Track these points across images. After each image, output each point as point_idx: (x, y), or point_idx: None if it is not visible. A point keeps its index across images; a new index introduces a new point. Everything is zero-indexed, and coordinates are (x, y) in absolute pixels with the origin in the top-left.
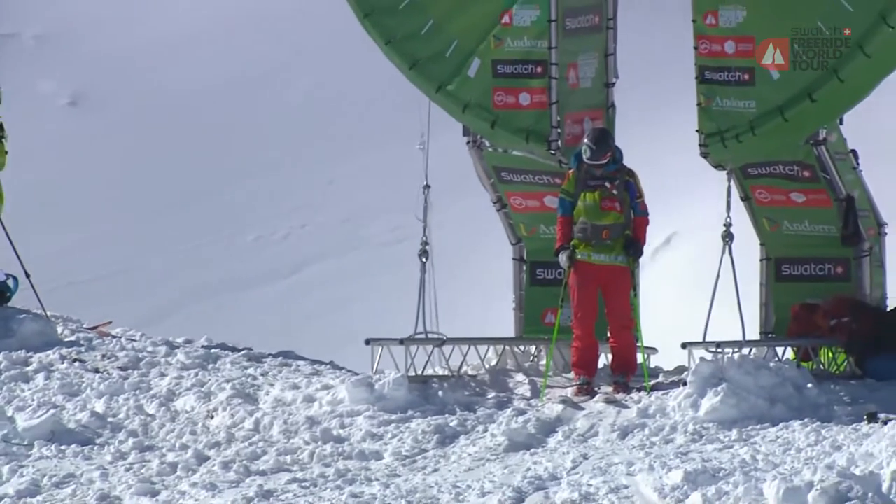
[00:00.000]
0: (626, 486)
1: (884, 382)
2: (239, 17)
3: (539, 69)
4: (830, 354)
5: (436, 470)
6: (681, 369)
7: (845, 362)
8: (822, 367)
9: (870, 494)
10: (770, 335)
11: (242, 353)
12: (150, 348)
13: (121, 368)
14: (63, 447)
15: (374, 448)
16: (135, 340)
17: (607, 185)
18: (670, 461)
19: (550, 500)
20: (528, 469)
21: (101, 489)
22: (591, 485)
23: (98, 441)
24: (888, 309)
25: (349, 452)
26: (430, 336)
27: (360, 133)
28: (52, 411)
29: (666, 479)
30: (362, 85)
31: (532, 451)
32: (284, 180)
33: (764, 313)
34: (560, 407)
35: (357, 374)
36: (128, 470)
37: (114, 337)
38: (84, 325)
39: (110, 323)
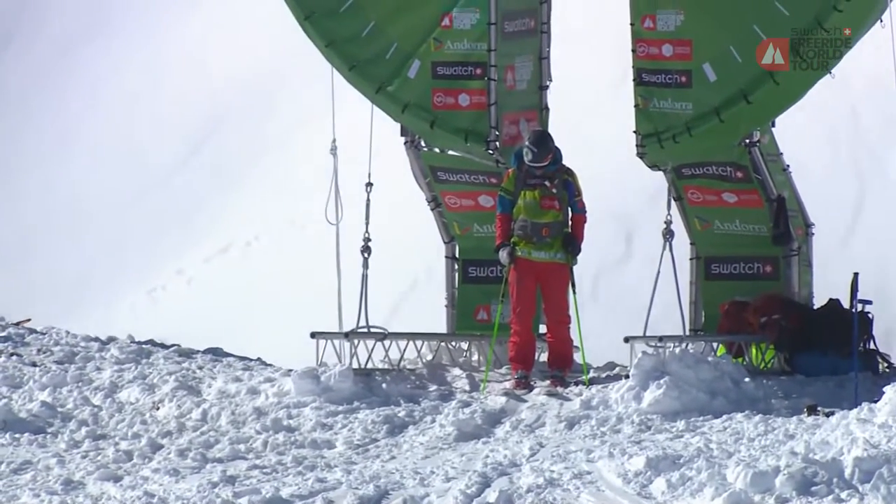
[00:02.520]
0: (588, 473)
1: (812, 378)
2: None
3: (478, 71)
4: (758, 351)
5: (392, 458)
6: (611, 365)
7: (773, 359)
8: (751, 362)
9: (834, 479)
10: (699, 332)
11: (172, 348)
12: (83, 343)
13: (58, 362)
14: (17, 435)
15: (326, 437)
16: (67, 335)
17: (547, 183)
18: (629, 449)
19: (516, 486)
20: (487, 456)
21: (62, 475)
22: (553, 471)
23: (50, 430)
24: (815, 307)
25: (301, 441)
26: (372, 330)
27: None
28: (3, 401)
29: (628, 465)
30: None
31: (483, 440)
32: None
33: (693, 311)
34: (503, 399)
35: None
36: (84, 457)
37: (37, 332)
38: (6, 322)
39: (30, 320)
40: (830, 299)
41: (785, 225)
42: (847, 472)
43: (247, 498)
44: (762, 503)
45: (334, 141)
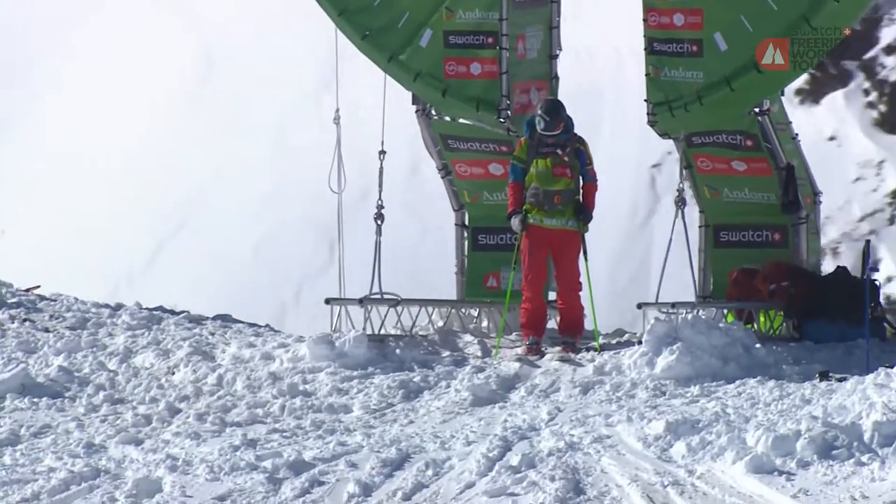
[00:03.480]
0: (608, 437)
1: (821, 344)
2: None
3: (490, 40)
4: (767, 318)
5: (411, 422)
6: (620, 332)
7: (781, 325)
8: (760, 329)
9: (854, 443)
10: (708, 299)
11: (182, 315)
12: (93, 310)
13: (70, 328)
14: (36, 400)
15: (342, 402)
16: (76, 301)
17: (559, 152)
18: (647, 413)
19: (537, 449)
20: (505, 420)
21: (82, 438)
22: (573, 434)
23: (67, 395)
24: (824, 274)
25: (318, 406)
26: (385, 296)
27: None
28: (21, 365)
29: (647, 429)
30: None
31: (500, 405)
32: None
33: (702, 278)
34: (517, 365)
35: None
36: (103, 421)
37: (47, 298)
38: (18, 289)
39: (39, 287)
40: (838, 267)
41: (794, 193)
42: (867, 437)
43: (270, 461)
44: (783, 467)
45: (338, 111)
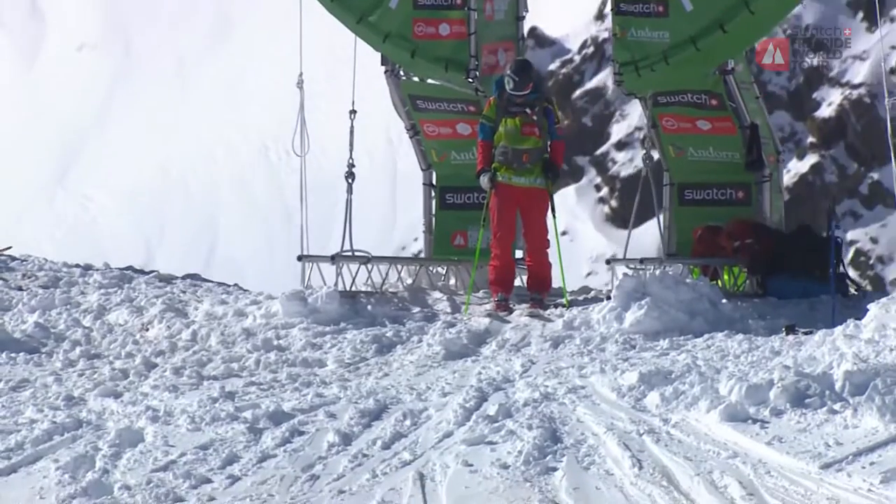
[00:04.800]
0: (582, 387)
1: (784, 300)
2: None
3: (458, 1)
4: (731, 275)
5: (385, 375)
6: (586, 289)
7: (745, 282)
8: (724, 286)
9: (826, 392)
10: (674, 256)
11: (152, 274)
12: (65, 269)
13: (43, 287)
14: (13, 355)
15: (316, 356)
16: (47, 262)
17: (528, 111)
18: (619, 365)
19: (513, 399)
20: (480, 373)
21: (61, 392)
22: (547, 385)
23: (44, 350)
24: (787, 231)
25: (293, 360)
26: (356, 254)
27: None
28: None
29: (621, 380)
30: None
31: (472, 359)
32: None
33: (667, 235)
34: (487, 320)
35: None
36: (80, 375)
37: (17, 259)
38: None
39: (10, 248)
40: (801, 224)
41: (757, 152)
42: (838, 386)
43: (250, 412)
44: (757, 415)
45: (301, 74)
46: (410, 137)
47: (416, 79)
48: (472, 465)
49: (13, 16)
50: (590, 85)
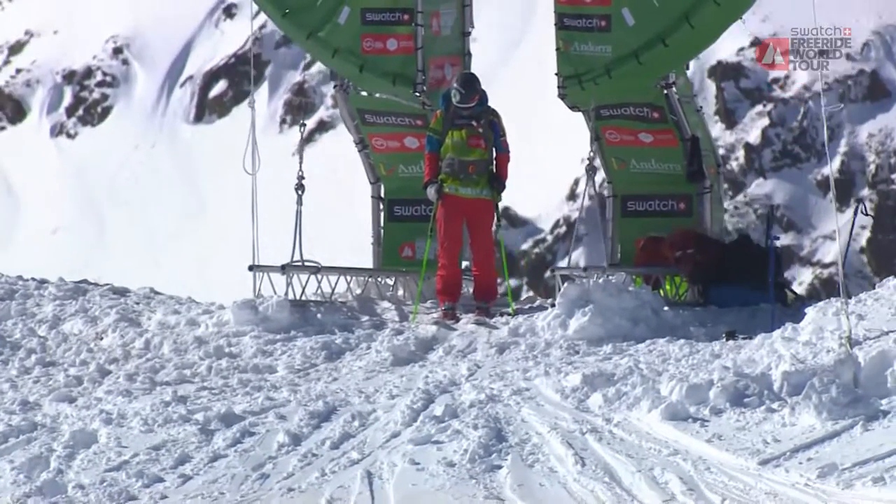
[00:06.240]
0: (527, 389)
1: (725, 309)
2: None
3: (406, 17)
4: (672, 284)
5: (335, 379)
6: (532, 298)
7: (687, 291)
8: (666, 294)
9: (765, 392)
10: (615, 266)
11: (107, 286)
12: (20, 282)
13: None
14: None
15: (267, 363)
16: (2, 277)
17: (474, 123)
18: (563, 368)
19: (459, 401)
20: (427, 377)
21: (16, 398)
22: (493, 388)
23: (0, 358)
24: (728, 241)
25: (244, 367)
26: (306, 264)
27: None
28: None
29: (564, 382)
30: None
31: (419, 364)
32: None
33: (610, 246)
34: (434, 328)
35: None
36: (35, 382)
37: None
38: None
39: None
40: (741, 234)
41: (698, 163)
42: (776, 386)
43: (202, 414)
44: (697, 414)
45: (252, 94)
46: (359, 151)
47: (364, 93)
48: (418, 464)
49: None
50: (562, 264)
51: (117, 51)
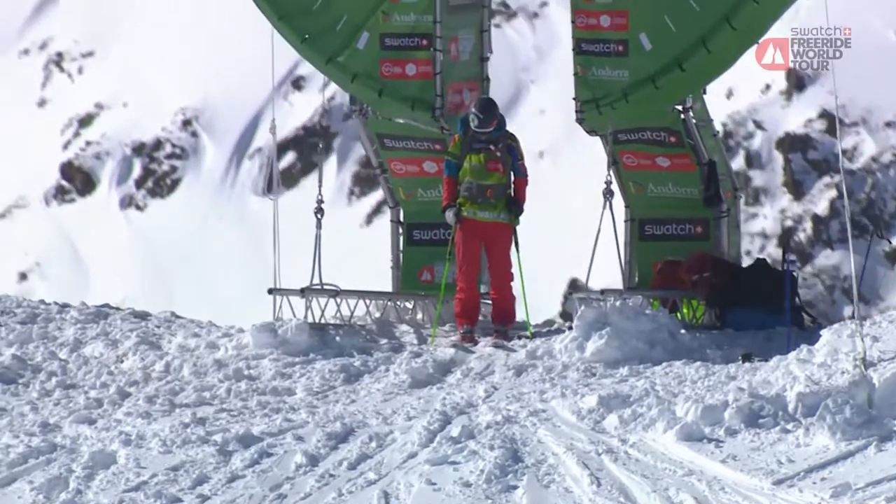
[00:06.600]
0: (543, 411)
1: (742, 332)
2: None
3: (424, 42)
4: (690, 307)
5: (353, 401)
6: (550, 322)
7: (704, 314)
8: (683, 318)
9: (779, 413)
10: (632, 289)
11: (128, 311)
12: (42, 307)
13: (21, 323)
14: None
15: (286, 385)
16: (25, 301)
17: (492, 147)
18: (580, 390)
19: (475, 422)
20: (444, 399)
21: (37, 420)
22: (509, 409)
23: (21, 381)
24: (744, 265)
25: (263, 389)
26: (325, 287)
27: None
28: None
29: (581, 403)
30: None
31: (437, 386)
32: None
33: (627, 270)
34: (452, 351)
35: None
36: (56, 404)
37: None
38: None
39: None
40: (758, 259)
41: (715, 188)
42: (791, 407)
43: (220, 435)
44: (712, 435)
45: (273, 120)
46: (378, 175)
47: (383, 118)
48: (435, 484)
49: None
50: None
51: (186, 123)
